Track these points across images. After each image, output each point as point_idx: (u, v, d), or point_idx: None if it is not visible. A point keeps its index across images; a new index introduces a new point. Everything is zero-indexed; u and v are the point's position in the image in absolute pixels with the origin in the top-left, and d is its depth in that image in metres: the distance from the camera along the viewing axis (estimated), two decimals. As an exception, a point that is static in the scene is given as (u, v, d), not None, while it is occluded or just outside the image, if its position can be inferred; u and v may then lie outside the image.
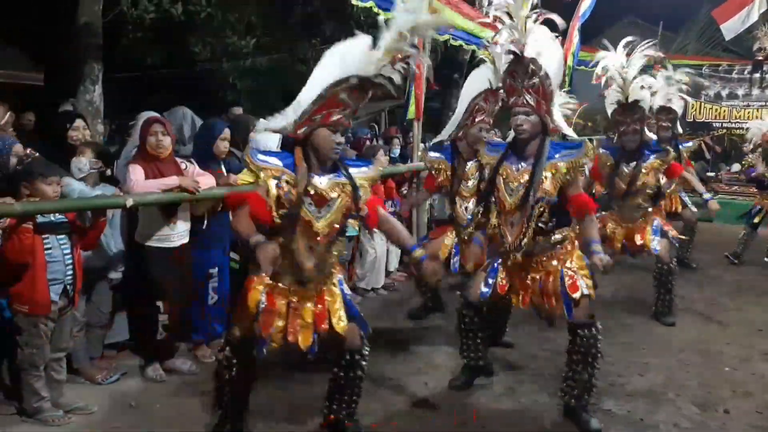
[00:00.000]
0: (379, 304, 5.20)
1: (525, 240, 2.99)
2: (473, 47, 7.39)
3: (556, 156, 2.97)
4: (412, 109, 5.90)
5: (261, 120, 2.53)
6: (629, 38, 4.38)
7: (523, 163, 3.02)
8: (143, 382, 3.59)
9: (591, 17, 9.52)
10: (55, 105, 4.73)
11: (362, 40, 2.37)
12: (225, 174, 3.91)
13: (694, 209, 6.37)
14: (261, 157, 2.50)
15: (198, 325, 3.95)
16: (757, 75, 12.45)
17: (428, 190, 4.56)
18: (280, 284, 2.57)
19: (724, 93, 12.94)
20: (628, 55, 4.35)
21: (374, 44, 2.35)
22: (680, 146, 6.10)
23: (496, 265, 3.23)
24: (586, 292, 3.00)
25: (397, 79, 2.37)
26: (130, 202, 3.29)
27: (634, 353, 4.04)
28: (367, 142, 6.34)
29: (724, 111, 12.99)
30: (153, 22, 7.73)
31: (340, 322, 2.64)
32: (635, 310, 4.90)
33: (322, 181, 2.53)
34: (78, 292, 3.20)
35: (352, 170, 2.62)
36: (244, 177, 2.64)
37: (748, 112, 12.34)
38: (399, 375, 3.67)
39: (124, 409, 3.27)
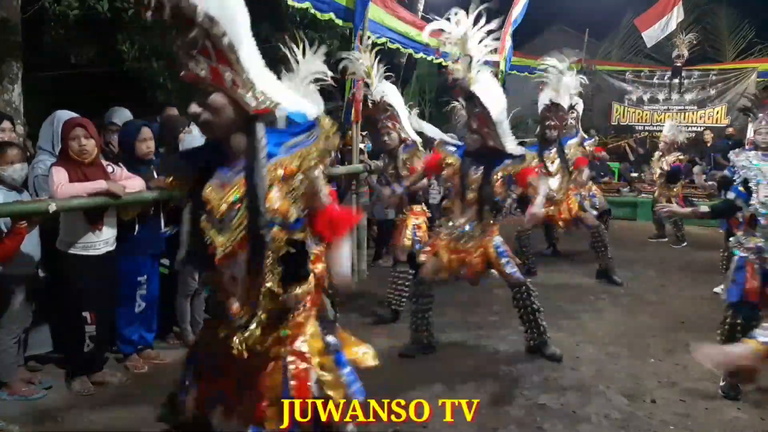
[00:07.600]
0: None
1: (259, 307, 1.78)
2: (410, 51, 7.50)
3: (280, 150, 1.76)
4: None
5: None
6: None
7: (228, 172, 1.78)
8: (70, 396, 3.41)
9: (522, 24, 9.83)
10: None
11: None
12: (155, 176, 3.78)
13: (594, 212, 6.17)
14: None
15: (126, 334, 3.80)
16: (676, 80, 13.19)
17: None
18: None
19: (645, 97, 13.61)
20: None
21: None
22: (564, 143, 5.71)
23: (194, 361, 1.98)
24: (317, 394, 1.81)
25: None
26: (53, 208, 3.11)
27: (565, 348, 4.16)
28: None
29: (646, 114, 13.66)
30: (78, 19, 7.38)
31: None
32: (566, 307, 5.08)
33: None
34: None
35: None
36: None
37: (668, 115, 13.01)
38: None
39: (51, 425, 3.10)
